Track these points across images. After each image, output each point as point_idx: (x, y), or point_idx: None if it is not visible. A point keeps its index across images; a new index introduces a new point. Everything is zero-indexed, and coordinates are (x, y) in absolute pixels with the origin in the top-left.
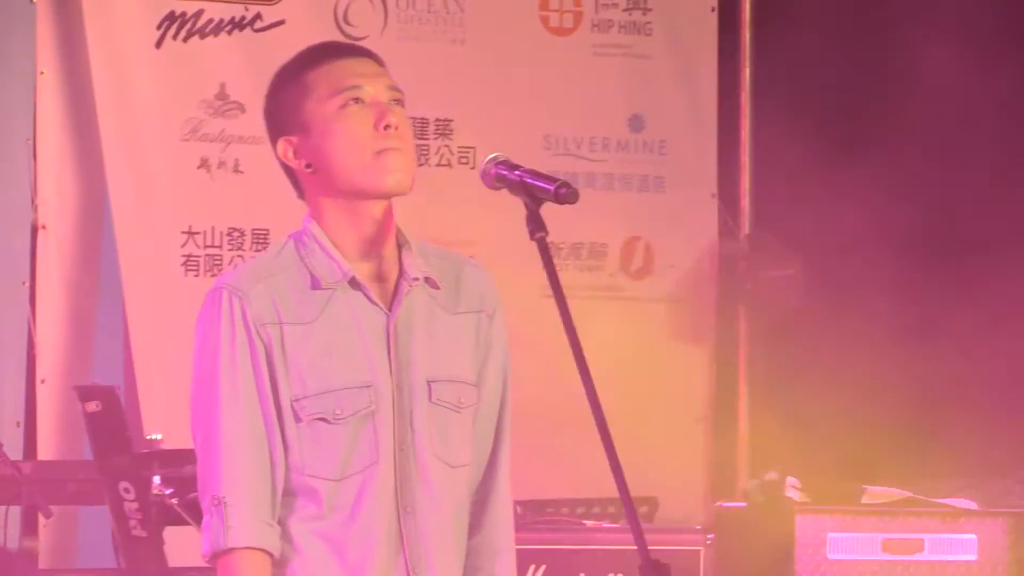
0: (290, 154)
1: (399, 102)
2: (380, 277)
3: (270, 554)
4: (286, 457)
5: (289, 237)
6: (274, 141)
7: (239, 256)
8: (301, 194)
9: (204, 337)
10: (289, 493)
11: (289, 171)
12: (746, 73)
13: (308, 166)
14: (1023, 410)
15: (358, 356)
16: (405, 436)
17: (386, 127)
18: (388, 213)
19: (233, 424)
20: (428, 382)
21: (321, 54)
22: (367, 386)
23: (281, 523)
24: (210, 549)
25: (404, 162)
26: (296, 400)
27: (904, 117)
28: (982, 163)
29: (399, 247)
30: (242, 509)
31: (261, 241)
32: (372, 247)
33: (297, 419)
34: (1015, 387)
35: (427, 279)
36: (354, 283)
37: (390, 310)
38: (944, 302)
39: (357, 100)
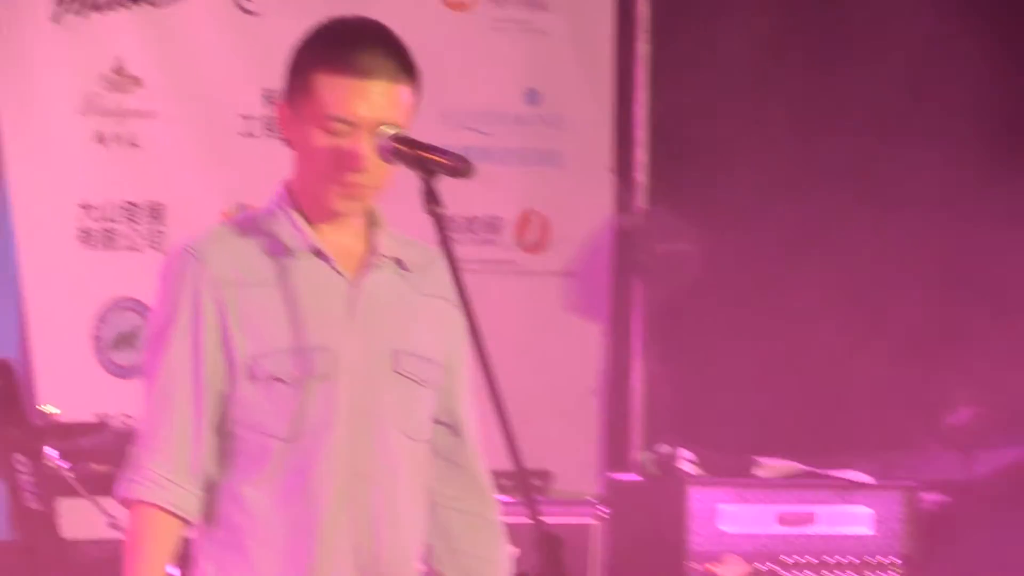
0: (280, 117)
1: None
2: (347, 250)
3: (170, 512)
4: (239, 415)
5: (261, 206)
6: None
7: (135, 230)
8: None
9: (159, 296)
10: (239, 453)
11: None
12: (643, 48)
13: (287, 141)
14: (915, 384)
15: (316, 320)
16: (364, 402)
17: (355, 169)
18: None
19: (165, 382)
20: (394, 352)
21: (343, 55)
22: (323, 349)
23: (229, 483)
24: (117, 497)
25: (364, 195)
26: (252, 358)
27: (807, 86)
28: (887, 136)
29: (371, 226)
30: (146, 463)
31: (157, 215)
32: (341, 222)
33: (252, 377)
34: (906, 361)
35: (397, 260)
36: (317, 252)
37: (355, 281)
38: (837, 277)
39: (344, 133)
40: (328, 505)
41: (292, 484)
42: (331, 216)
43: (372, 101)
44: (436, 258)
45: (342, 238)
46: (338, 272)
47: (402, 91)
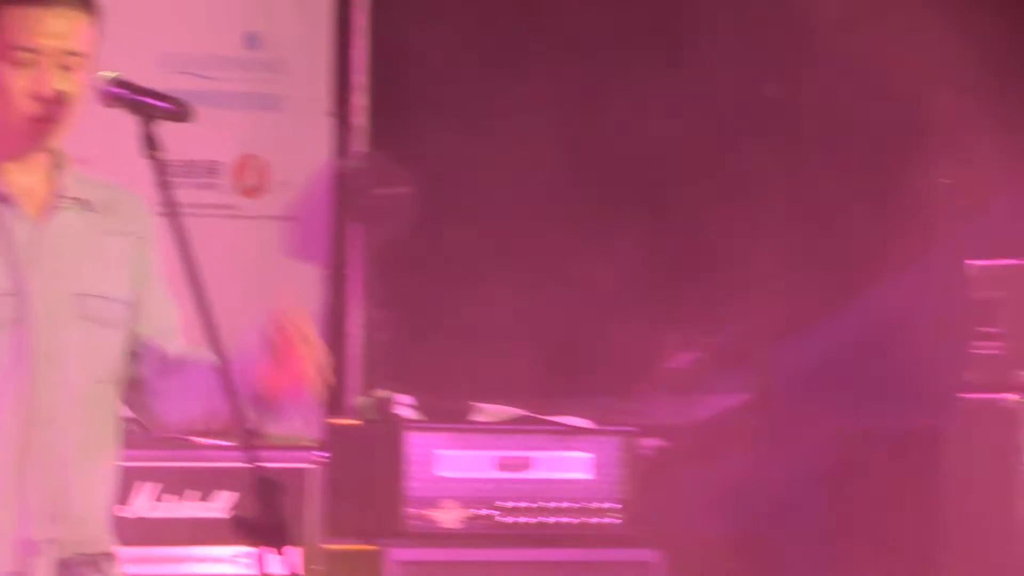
0: None
1: (74, 68)
2: (31, 192)
3: None
4: None
5: None
6: None
7: None
8: None
9: None
10: None
11: None
12: None
13: None
14: (638, 329)
15: (0, 264)
16: (51, 347)
17: (43, 99)
18: None
19: None
20: (78, 295)
21: None
22: (8, 294)
23: None
24: None
25: (53, 131)
26: None
27: (522, 31)
28: (640, 85)
29: (56, 167)
30: None
31: None
32: (25, 162)
33: None
34: (627, 307)
35: (82, 200)
36: (1, 196)
37: (39, 223)
38: (555, 216)
39: (27, 63)
40: (15, 451)
41: None
42: (13, 156)
43: (54, 28)
44: (125, 196)
45: (26, 179)
46: (21, 215)
47: (83, 19)
